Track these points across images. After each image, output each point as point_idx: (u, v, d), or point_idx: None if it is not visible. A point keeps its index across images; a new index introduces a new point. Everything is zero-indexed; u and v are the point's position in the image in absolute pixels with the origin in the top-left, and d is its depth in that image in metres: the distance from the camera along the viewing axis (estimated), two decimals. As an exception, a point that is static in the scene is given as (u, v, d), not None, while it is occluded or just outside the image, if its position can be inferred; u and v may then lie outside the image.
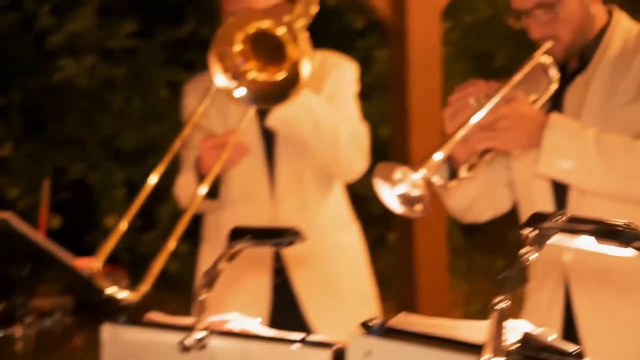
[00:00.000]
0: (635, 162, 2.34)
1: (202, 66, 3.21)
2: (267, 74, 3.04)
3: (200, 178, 3.07)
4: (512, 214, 2.78)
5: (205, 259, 3.28)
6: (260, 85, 3.04)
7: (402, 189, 2.31)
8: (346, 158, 3.15)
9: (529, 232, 1.48)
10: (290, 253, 3.15)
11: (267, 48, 3.04)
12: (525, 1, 2.52)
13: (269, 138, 3.22)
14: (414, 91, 4.43)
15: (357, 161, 3.18)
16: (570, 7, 2.51)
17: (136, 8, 7.25)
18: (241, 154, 3.12)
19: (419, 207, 2.30)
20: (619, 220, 1.42)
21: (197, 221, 3.25)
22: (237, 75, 3.02)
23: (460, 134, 2.36)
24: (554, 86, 2.54)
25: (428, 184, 2.30)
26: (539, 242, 1.48)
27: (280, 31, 3.00)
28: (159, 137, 6.84)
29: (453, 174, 2.51)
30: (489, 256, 7.48)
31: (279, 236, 2.04)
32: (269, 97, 3.04)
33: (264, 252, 3.15)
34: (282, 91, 3.02)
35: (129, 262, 5.91)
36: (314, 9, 3.15)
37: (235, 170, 3.20)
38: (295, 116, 3.08)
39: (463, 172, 2.47)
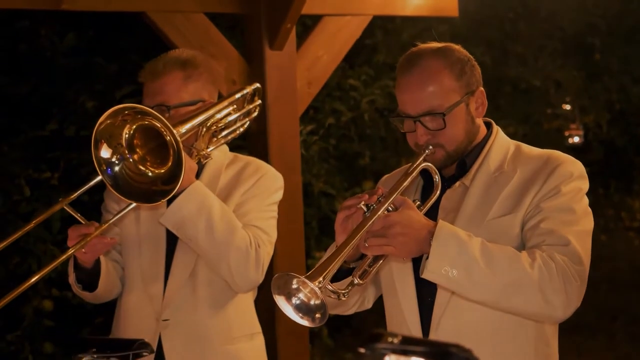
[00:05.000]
0: (518, 274, 2.35)
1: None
2: (144, 167, 2.87)
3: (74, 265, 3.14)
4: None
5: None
6: (133, 172, 2.87)
7: (300, 299, 2.25)
8: (237, 268, 3.07)
9: (364, 351, 1.48)
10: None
11: (154, 145, 2.88)
12: (416, 107, 2.53)
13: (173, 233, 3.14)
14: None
15: (248, 273, 3.09)
16: (459, 119, 2.54)
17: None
18: (103, 247, 3.05)
19: (318, 315, 2.24)
20: (451, 343, 1.44)
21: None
22: (119, 155, 2.84)
23: (353, 242, 2.31)
24: (437, 193, 2.55)
25: (325, 292, 2.25)
26: (373, 360, 1.46)
27: (168, 137, 2.79)
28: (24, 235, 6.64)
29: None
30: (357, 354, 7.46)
31: (125, 349, 2.01)
32: (132, 188, 2.85)
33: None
34: (149, 189, 2.85)
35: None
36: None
37: (134, 259, 3.19)
38: (189, 218, 2.98)
39: (356, 280, 2.40)
